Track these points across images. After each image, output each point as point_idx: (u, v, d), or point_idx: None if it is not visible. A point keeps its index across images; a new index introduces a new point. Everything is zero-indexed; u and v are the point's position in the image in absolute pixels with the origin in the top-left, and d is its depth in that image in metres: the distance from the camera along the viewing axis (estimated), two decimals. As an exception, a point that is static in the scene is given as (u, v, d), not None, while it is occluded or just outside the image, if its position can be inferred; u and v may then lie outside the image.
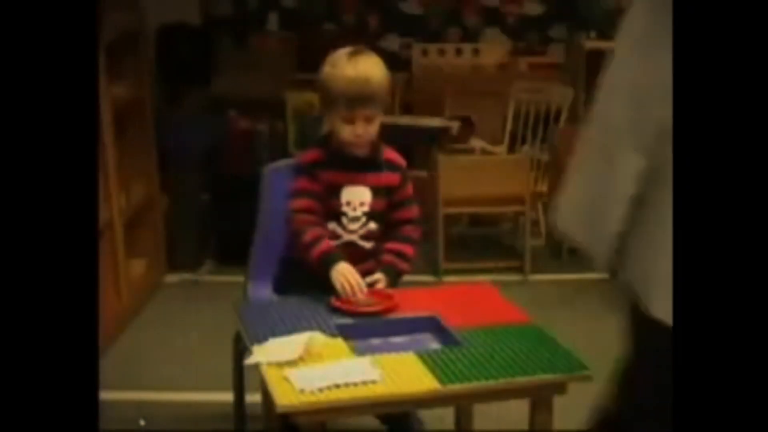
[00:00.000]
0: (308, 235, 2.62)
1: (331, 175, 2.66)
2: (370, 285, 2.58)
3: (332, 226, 2.67)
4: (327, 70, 2.60)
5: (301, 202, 2.66)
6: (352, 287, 2.52)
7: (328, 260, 2.58)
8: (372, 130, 2.61)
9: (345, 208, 2.67)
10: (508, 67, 6.84)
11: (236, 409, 2.91)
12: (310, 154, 2.70)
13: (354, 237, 2.69)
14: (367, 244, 2.71)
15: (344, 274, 2.54)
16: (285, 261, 2.83)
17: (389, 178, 2.72)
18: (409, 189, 2.77)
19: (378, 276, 2.62)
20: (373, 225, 2.70)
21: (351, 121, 2.58)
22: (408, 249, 2.73)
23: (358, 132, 2.59)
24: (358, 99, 2.54)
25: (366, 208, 2.68)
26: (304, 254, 2.62)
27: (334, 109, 2.59)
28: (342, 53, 2.60)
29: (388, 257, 2.70)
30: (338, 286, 2.53)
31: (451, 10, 6.98)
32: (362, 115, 2.57)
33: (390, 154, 2.75)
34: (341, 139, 2.62)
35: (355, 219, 2.68)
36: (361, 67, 2.56)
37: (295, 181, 2.70)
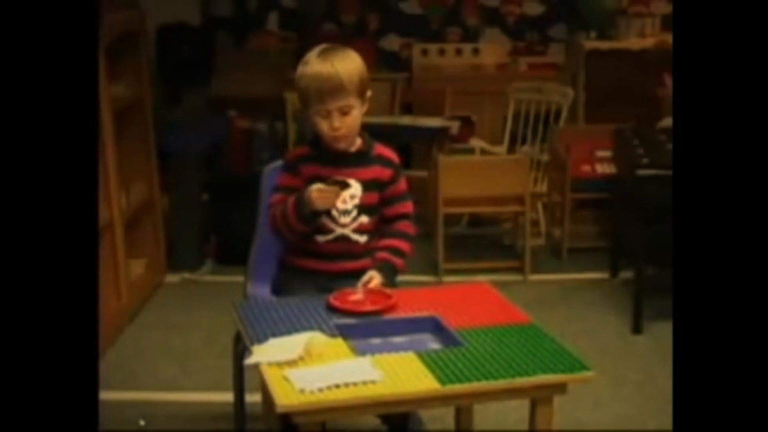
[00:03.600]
0: (277, 211, 2.70)
1: (313, 169, 2.70)
2: (365, 283, 2.60)
3: (323, 219, 2.69)
4: (299, 69, 2.66)
5: (276, 197, 2.74)
6: (327, 189, 2.59)
7: (300, 199, 2.63)
8: (350, 122, 2.64)
9: None
10: (508, 67, 6.85)
11: (236, 409, 2.91)
12: (296, 150, 2.81)
13: (346, 231, 2.71)
14: (361, 239, 2.73)
15: (314, 188, 2.60)
16: (282, 263, 2.84)
17: (380, 172, 2.73)
18: (403, 184, 2.79)
19: (372, 273, 2.64)
20: (364, 218, 2.72)
21: (327, 115, 2.62)
22: (403, 244, 2.74)
23: (335, 125, 2.62)
24: (328, 92, 2.58)
25: (357, 202, 2.70)
26: (284, 225, 2.68)
27: (311, 106, 2.63)
28: (314, 52, 2.66)
29: (382, 254, 2.71)
30: (315, 196, 2.59)
31: (451, 10, 6.98)
32: (336, 108, 2.61)
33: (382, 149, 2.77)
34: (322, 135, 2.66)
35: (346, 212, 2.70)
36: (329, 62, 2.60)
37: (277, 177, 2.78)
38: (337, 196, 2.63)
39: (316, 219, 2.66)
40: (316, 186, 2.61)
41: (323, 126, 2.64)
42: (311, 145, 2.75)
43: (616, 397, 3.46)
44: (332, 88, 2.58)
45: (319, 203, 2.61)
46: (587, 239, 5.13)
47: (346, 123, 2.63)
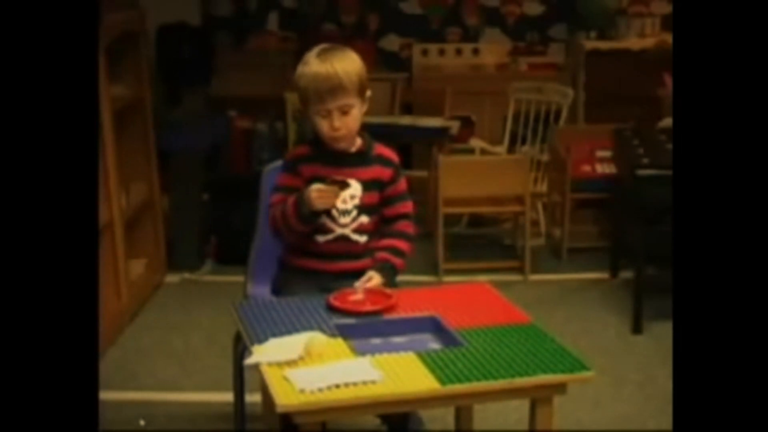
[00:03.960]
0: (277, 211, 2.69)
1: (312, 169, 2.70)
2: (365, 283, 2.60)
3: (323, 219, 2.69)
4: (299, 68, 2.66)
5: (276, 197, 2.74)
6: (327, 189, 2.59)
7: (300, 199, 2.63)
8: (349, 122, 2.64)
9: None
10: (508, 67, 6.84)
11: (236, 409, 2.91)
12: (296, 150, 2.81)
13: (346, 231, 2.71)
14: (361, 239, 2.73)
15: (314, 188, 2.59)
16: (282, 263, 2.84)
17: (380, 171, 2.74)
18: (403, 184, 2.79)
19: (371, 273, 2.64)
20: (364, 218, 2.72)
21: (326, 114, 2.62)
22: (402, 244, 2.74)
23: (335, 125, 2.62)
24: (327, 91, 2.59)
25: (356, 202, 2.70)
26: (284, 225, 2.67)
27: (311, 105, 2.64)
28: (313, 52, 2.66)
29: (382, 254, 2.71)
30: (315, 196, 2.59)
31: (451, 10, 6.98)
32: (335, 108, 2.61)
33: (382, 149, 2.77)
34: (322, 134, 2.66)
35: (346, 212, 2.70)
36: (328, 61, 2.60)
37: (277, 177, 2.78)
38: (336, 196, 2.63)
39: (315, 219, 2.66)
40: (316, 186, 2.61)
41: (323, 126, 2.64)
42: (311, 145, 2.75)
43: (616, 397, 3.46)
44: (331, 88, 2.58)
45: (319, 203, 2.61)
46: (587, 239, 5.13)
47: (345, 123, 2.63)
